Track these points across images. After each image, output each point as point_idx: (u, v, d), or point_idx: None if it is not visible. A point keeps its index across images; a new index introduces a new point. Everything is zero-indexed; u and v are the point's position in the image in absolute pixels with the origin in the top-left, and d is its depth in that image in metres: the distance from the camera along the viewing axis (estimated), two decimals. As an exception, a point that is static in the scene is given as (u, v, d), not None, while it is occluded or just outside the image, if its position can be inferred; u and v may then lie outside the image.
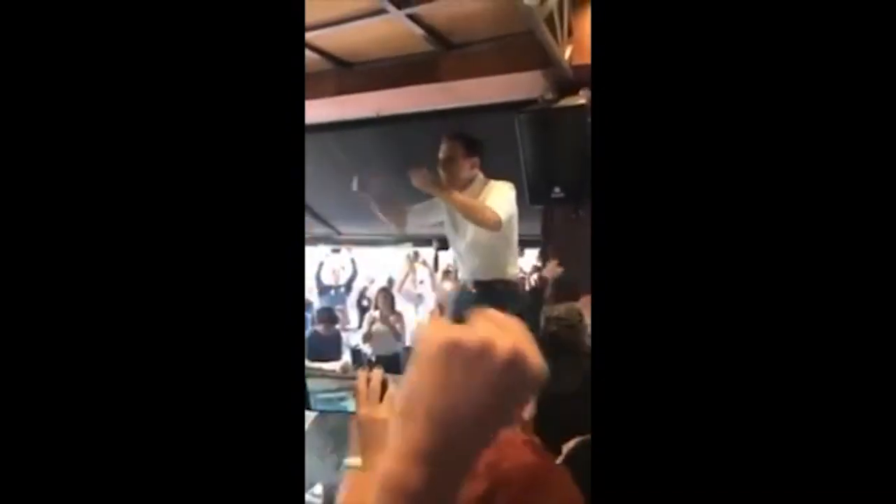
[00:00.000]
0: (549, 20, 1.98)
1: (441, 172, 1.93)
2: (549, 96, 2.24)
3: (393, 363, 4.15)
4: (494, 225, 1.83)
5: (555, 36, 2.04)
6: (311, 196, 3.79)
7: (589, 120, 2.13)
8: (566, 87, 2.23)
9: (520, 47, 2.22)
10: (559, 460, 0.98)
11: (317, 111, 2.79)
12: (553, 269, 2.19)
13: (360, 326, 4.97)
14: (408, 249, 5.13)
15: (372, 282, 6.03)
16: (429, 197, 2.02)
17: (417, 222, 2.18)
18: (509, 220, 1.91)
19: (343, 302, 5.62)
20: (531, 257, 3.58)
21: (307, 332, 4.20)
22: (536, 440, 0.85)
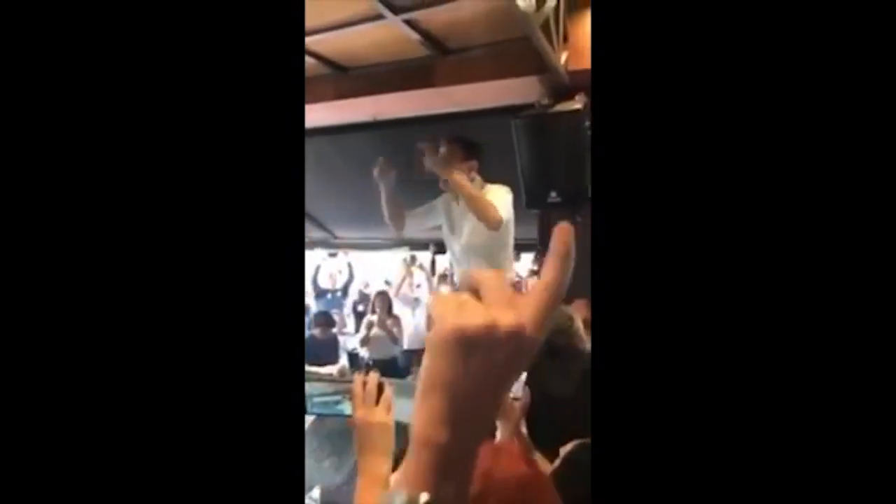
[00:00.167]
0: (545, 26, 1.99)
1: (440, 175, 1.93)
2: (545, 101, 2.26)
3: (390, 367, 4.15)
4: (496, 223, 1.84)
5: (550, 42, 2.05)
6: (308, 200, 3.77)
7: (585, 124, 2.14)
8: (562, 92, 2.25)
9: (516, 53, 2.23)
10: (556, 463, 0.99)
11: (314, 115, 2.79)
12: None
13: (356, 330, 4.96)
14: (405, 253, 5.13)
15: (367, 286, 6.02)
16: (427, 200, 2.02)
17: (415, 225, 2.19)
18: (507, 223, 1.92)
19: (340, 306, 5.61)
20: (527, 261, 3.58)
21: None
22: (533, 451, 0.85)
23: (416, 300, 4.91)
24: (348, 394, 0.90)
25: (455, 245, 2.11)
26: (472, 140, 2.04)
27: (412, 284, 5.03)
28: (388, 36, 2.28)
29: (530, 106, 2.31)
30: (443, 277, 5.02)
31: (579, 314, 1.67)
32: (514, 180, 2.18)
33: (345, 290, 5.76)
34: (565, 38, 2.23)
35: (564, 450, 1.20)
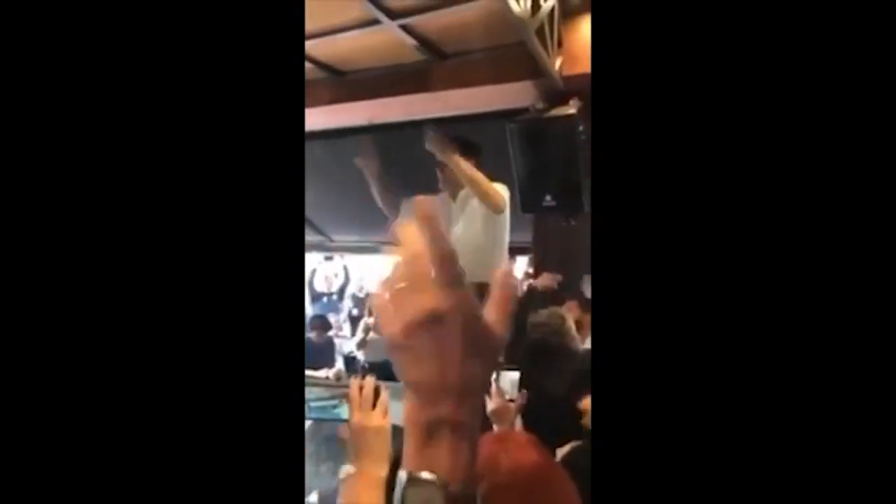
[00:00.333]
0: (540, 31, 2.00)
1: (438, 174, 1.94)
2: (540, 106, 2.27)
3: (386, 370, 4.13)
4: (498, 202, 1.84)
5: (545, 47, 2.06)
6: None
7: (579, 129, 2.15)
8: (556, 96, 2.25)
9: (511, 58, 2.24)
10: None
11: (310, 119, 2.78)
12: (548, 281, 2.20)
13: (352, 334, 4.95)
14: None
15: (363, 289, 6.01)
16: (419, 188, 2.01)
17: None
18: (503, 219, 1.92)
19: (336, 309, 5.60)
20: (522, 264, 3.59)
21: (300, 340, 4.18)
22: (538, 440, 0.85)
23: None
24: (345, 398, 0.90)
25: None
26: (471, 140, 2.05)
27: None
28: (384, 41, 2.29)
29: (525, 110, 2.32)
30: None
31: (571, 315, 1.69)
32: (509, 184, 2.19)
33: (341, 293, 5.75)
34: (560, 44, 2.24)
35: (561, 452, 1.20)
